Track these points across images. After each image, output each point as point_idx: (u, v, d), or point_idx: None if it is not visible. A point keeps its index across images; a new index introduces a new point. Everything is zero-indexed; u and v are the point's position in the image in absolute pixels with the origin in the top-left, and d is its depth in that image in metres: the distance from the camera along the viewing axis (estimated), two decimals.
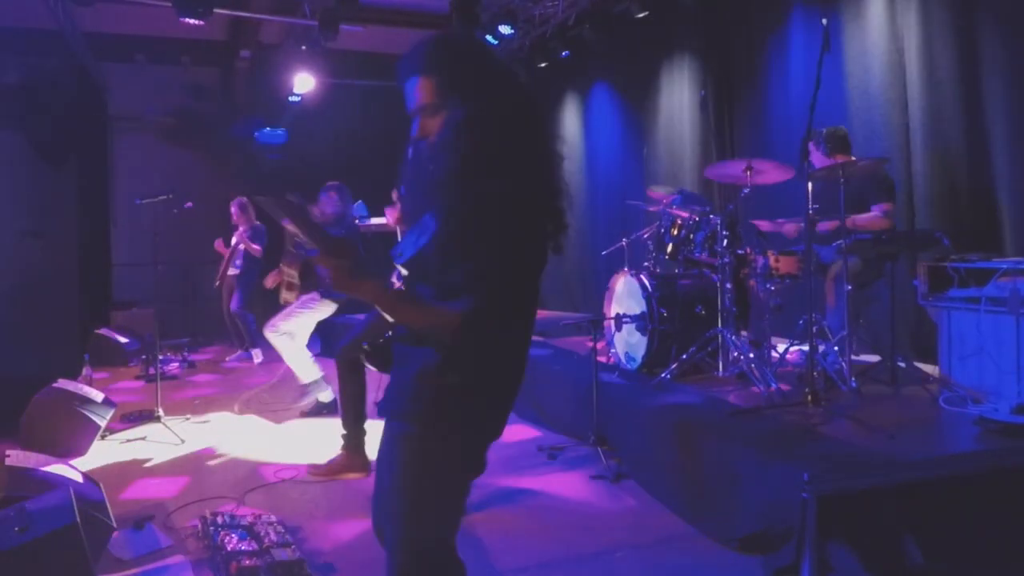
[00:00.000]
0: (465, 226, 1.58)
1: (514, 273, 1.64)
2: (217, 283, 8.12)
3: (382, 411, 1.78)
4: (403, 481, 1.69)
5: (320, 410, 5.52)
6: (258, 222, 7.98)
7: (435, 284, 1.66)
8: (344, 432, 4.05)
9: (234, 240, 8.02)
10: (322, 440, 4.96)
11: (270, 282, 5.42)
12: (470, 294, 1.58)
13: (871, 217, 4.43)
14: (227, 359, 8.03)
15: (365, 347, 1.84)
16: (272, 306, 8.63)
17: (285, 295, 5.32)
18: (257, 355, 7.88)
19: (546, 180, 1.70)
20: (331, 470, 3.97)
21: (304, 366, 5.39)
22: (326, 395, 5.50)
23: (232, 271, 8.00)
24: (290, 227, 1.68)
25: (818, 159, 4.64)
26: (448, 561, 1.74)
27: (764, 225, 4.83)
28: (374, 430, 4.03)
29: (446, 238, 1.60)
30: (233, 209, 8.00)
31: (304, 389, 5.44)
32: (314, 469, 4.02)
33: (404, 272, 1.71)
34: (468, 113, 1.61)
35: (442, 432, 1.67)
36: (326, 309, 5.32)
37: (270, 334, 5.27)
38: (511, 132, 1.64)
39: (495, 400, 1.74)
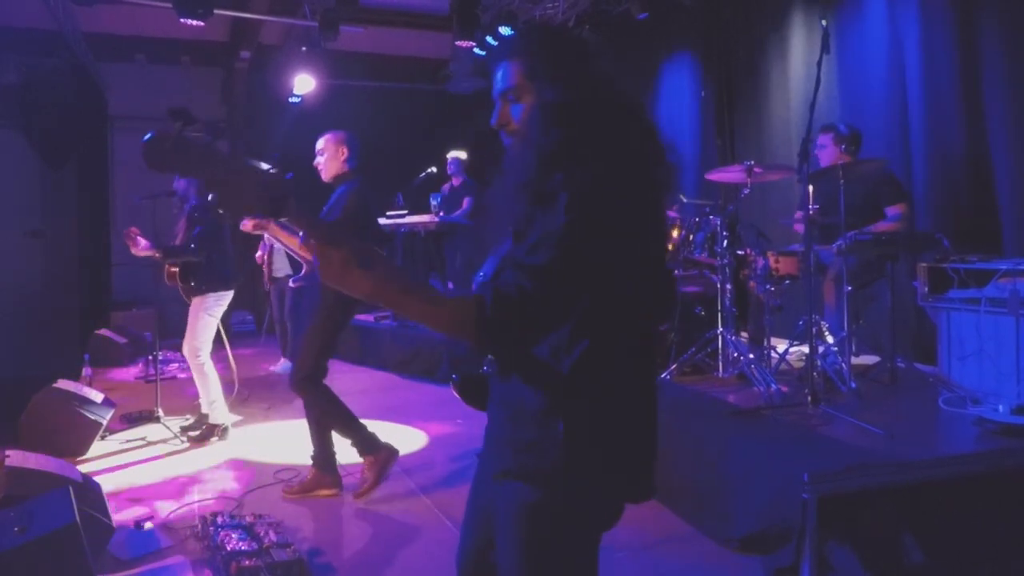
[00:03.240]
0: (536, 222, 1.35)
1: (597, 265, 1.34)
2: (267, 287, 7.61)
3: (491, 470, 1.50)
4: (534, 565, 1.40)
5: (210, 434, 5.00)
6: None
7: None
8: (313, 451, 3.88)
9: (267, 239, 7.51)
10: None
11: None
12: (506, 279, 1.31)
13: (891, 224, 4.44)
14: (271, 368, 7.50)
15: (455, 379, 1.57)
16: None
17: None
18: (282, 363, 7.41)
19: (648, 174, 1.44)
20: (305, 489, 3.85)
21: (221, 405, 5.05)
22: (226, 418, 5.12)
23: (279, 273, 7.42)
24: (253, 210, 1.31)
25: (830, 155, 4.62)
26: None
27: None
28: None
29: (517, 243, 1.39)
30: None
31: (212, 431, 4.97)
32: (287, 488, 3.90)
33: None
34: (560, 94, 1.41)
35: (571, 496, 1.38)
36: (217, 311, 5.02)
37: (196, 362, 4.94)
38: (611, 110, 1.44)
39: (627, 446, 1.43)
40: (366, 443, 3.78)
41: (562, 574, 1.42)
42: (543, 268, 1.29)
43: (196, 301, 4.95)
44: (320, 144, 3.81)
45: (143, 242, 4.82)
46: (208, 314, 4.96)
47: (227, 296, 5.05)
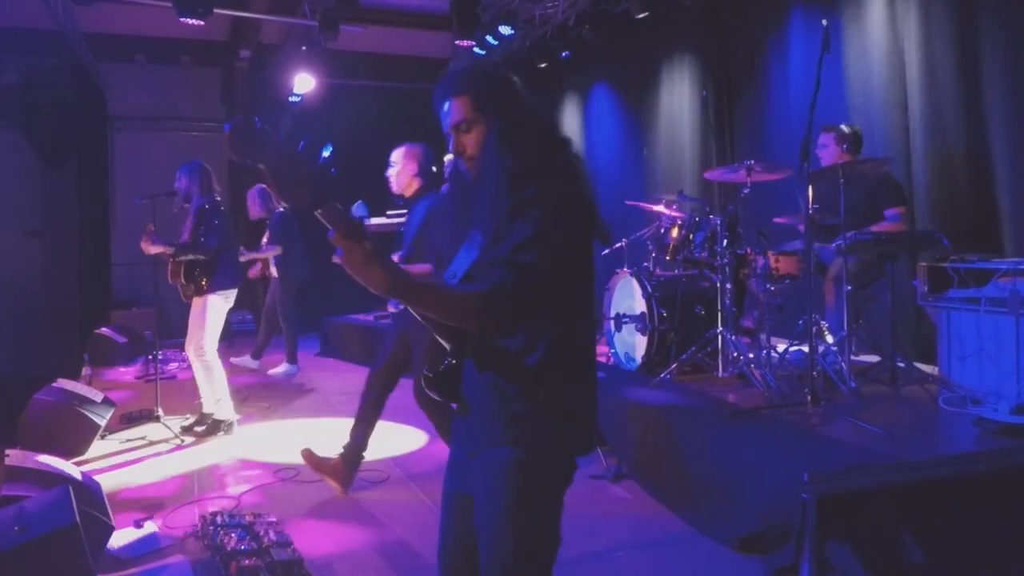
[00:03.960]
0: (515, 227, 1.58)
1: (565, 264, 1.62)
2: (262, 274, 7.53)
3: (468, 445, 1.73)
4: (519, 510, 1.63)
5: (216, 429, 5.04)
6: (280, 207, 7.20)
7: None
8: (350, 443, 3.88)
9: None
10: (322, 441, 4.96)
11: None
12: (502, 274, 1.55)
13: (889, 225, 4.45)
14: (269, 371, 7.30)
15: (427, 374, 1.73)
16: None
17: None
18: (284, 367, 7.26)
19: (585, 180, 1.74)
20: (320, 465, 3.83)
21: (227, 402, 5.09)
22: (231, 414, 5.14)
23: (273, 272, 7.29)
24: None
25: (832, 155, 4.63)
26: None
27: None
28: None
29: (495, 245, 1.61)
30: (251, 203, 7.32)
31: (217, 426, 5.02)
32: (308, 454, 3.84)
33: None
34: (510, 123, 1.68)
35: (548, 455, 1.65)
36: (223, 308, 5.03)
37: (202, 360, 4.95)
38: (550, 136, 1.74)
39: (584, 407, 1.72)
40: (356, 458, 3.86)
41: (541, 524, 1.66)
42: (532, 266, 1.55)
43: (203, 300, 4.94)
44: (393, 156, 3.95)
45: (156, 240, 4.86)
46: (216, 312, 4.97)
47: (233, 294, 5.07)
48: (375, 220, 6.85)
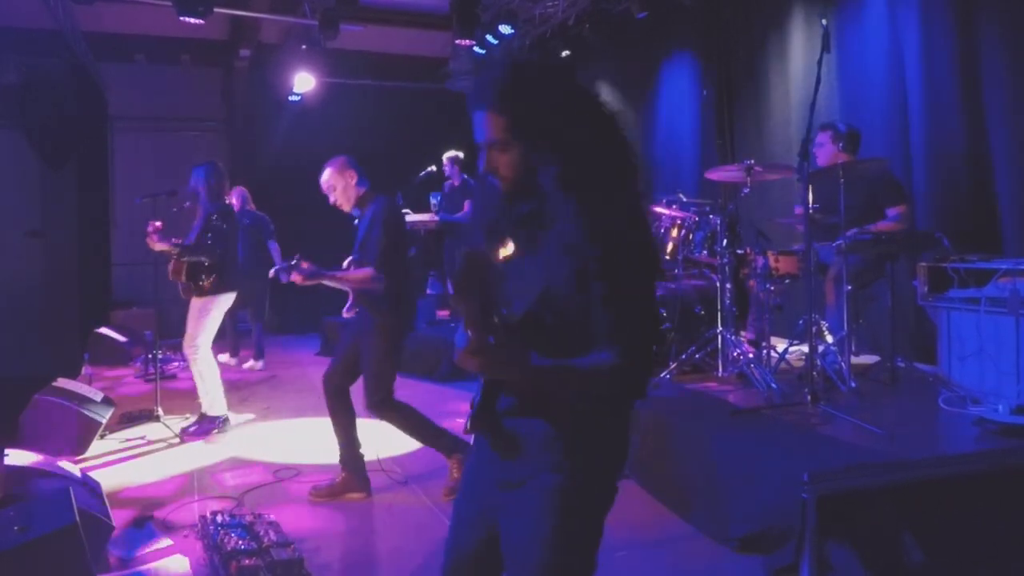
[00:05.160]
0: (603, 278, 1.45)
1: (653, 311, 1.59)
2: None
3: (505, 472, 1.57)
4: (562, 540, 1.52)
5: (211, 427, 5.07)
6: (251, 208, 7.41)
7: (553, 338, 1.51)
8: (342, 451, 3.85)
9: None
10: (322, 441, 4.96)
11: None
12: (618, 344, 1.45)
13: (890, 224, 4.45)
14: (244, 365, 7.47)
15: (474, 417, 1.54)
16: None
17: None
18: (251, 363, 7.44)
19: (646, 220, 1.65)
20: (333, 492, 3.81)
21: (220, 398, 5.13)
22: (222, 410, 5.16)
23: None
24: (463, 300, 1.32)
25: (828, 154, 4.63)
26: None
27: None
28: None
29: (573, 291, 1.47)
30: (235, 201, 7.30)
31: (212, 423, 5.07)
32: (315, 491, 3.83)
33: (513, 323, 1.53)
34: (570, 168, 1.47)
35: (595, 481, 1.56)
36: (220, 311, 5.07)
37: (196, 359, 4.97)
38: (617, 179, 1.56)
39: (627, 436, 1.63)
40: (450, 445, 3.82)
41: (582, 553, 1.55)
42: (636, 322, 1.46)
43: (202, 300, 4.96)
44: (326, 180, 3.74)
45: (162, 238, 4.90)
46: (212, 314, 5.00)
47: (231, 298, 5.12)
48: None
